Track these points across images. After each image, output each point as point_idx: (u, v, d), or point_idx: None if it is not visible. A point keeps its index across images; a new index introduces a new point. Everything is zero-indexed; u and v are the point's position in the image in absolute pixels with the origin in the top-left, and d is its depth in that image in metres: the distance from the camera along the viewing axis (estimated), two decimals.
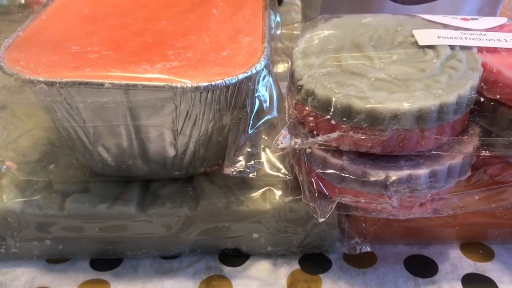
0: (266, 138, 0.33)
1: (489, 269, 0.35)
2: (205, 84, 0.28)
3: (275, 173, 0.32)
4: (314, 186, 0.31)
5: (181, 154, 0.33)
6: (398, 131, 0.27)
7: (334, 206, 0.30)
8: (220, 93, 0.29)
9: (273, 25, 0.39)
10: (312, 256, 0.36)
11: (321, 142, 0.29)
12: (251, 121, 0.32)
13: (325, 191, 0.31)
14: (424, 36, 0.33)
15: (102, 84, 0.27)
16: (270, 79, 0.33)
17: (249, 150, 0.32)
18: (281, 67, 0.46)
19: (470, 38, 0.33)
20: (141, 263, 0.35)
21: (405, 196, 0.29)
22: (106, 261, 0.35)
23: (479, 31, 0.34)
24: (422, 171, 0.29)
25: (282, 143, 0.30)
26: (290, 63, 0.34)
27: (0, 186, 0.34)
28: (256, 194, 0.34)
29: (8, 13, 0.36)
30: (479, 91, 0.30)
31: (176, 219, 0.34)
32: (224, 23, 0.35)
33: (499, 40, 0.33)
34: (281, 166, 0.32)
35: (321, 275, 0.34)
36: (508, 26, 0.35)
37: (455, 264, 0.35)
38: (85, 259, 0.36)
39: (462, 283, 0.34)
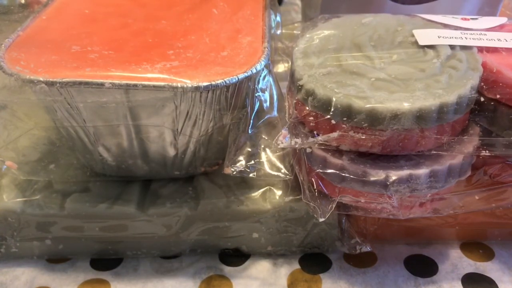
0: (266, 138, 0.33)
1: (489, 269, 0.35)
2: (205, 84, 0.28)
3: (275, 173, 0.32)
4: (314, 185, 0.31)
5: (181, 154, 0.33)
6: (398, 131, 0.27)
7: (334, 205, 0.30)
8: (220, 93, 0.29)
9: (273, 25, 0.39)
10: (312, 255, 0.36)
11: (321, 142, 0.29)
12: (251, 121, 0.32)
13: (325, 190, 0.31)
14: (424, 36, 0.33)
15: (102, 84, 0.27)
16: (270, 79, 0.33)
17: (249, 150, 0.32)
18: (281, 67, 0.46)
19: (470, 38, 0.33)
20: (141, 263, 0.35)
21: (405, 196, 0.29)
22: (106, 261, 0.35)
23: (479, 31, 0.34)
24: (422, 171, 0.29)
25: (282, 143, 0.30)
26: (290, 63, 0.34)
27: (0, 186, 0.34)
28: (256, 194, 0.34)
29: (8, 13, 0.36)
30: (479, 91, 0.30)
31: (176, 219, 0.34)
32: (224, 23, 0.35)
33: (499, 40, 0.33)
34: (281, 166, 0.32)
35: (321, 275, 0.34)
36: (508, 26, 0.35)
37: (455, 264, 0.35)
38: (85, 259, 0.36)
39: (462, 283, 0.34)
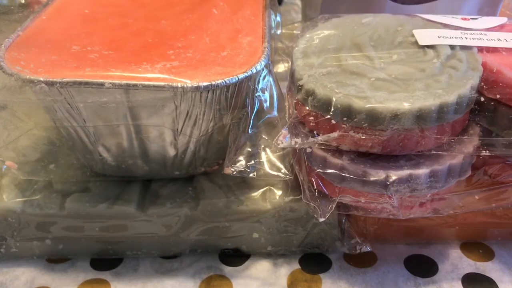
0: (266, 138, 0.33)
1: (489, 269, 0.35)
2: (205, 84, 0.28)
3: (275, 173, 0.32)
4: (314, 185, 0.31)
5: (181, 154, 0.33)
6: (398, 131, 0.27)
7: (334, 205, 0.30)
8: (221, 93, 0.29)
9: (273, 25, 0.39)
10: (312, 255, 0.36)
11: (321, 142, 0.29)
12: (251, 121, 0.32)
13: (325, 190, 0.31)
14: (424, 36, 0.33)
15: (102, 84, 0.27)
16: (270, 79, 0.33)
17: (249, 150, 0.32)
18: (281, 67, 0.47)
19: (470, 38, 0.33)
20: (141, 263, 0.35)
21: (405, 196, 0.29)
22: (106, 261, 0.35)
23: (479, 31, 0.34)
24: (422, 171, 0.29)
25: (282, 142, 0.30)
26: (290, 63, 0.34)
27: (0, 186, 0.34)
28: (256, 193, 0.34)
29: (8, 13, 0.36)
30: (479, 91, 0.30)
31: (176, 218, 0.34)
32: (224, 23, 0.35)
33: (499, 40, 0.33)
34: (281, 166, 0.32)
35: (321, 275, 0.34)
36: (508, 26, 0.35)
37: (455, 264, 0.35)
38: (85, 258, 0.36)
39: (462, 283, 0.34)
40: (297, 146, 0.30)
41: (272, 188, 0.35)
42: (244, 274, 0.35)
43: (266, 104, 0.33)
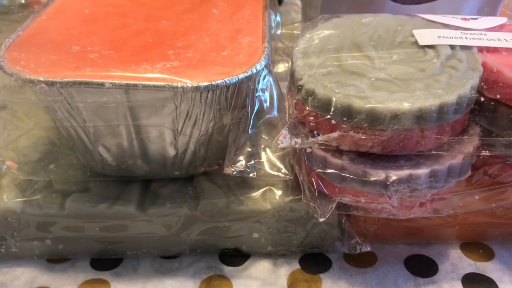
0: (266, 138, 0.33)
1: (489, 269, 0.35)
2: (205, 84, 0.28)
3: (275, 173, 0.32)
4: (314, 185, 0.31)
5: (181, 154, 0.33)
6: (398, 131, 0.27)
7: (334, 205, 0.30)
8: (221, 93, 0.29)
9: (273, 25, 0.39)
10: (312, 256, 0.36)
11: (321, 142, 0.29)
12: (251, 121, 0.32)
13: (325, 190, 0.31)
14: (424, 36, 0.33)
15: (102, 84, 0.27)
16: (271, 79, 0.33)
17: (249, 150, 0.32)
18: (281, 67, 0.46)
19: (470, 38, 0.33)
20: (141, 263, 0.35)
21: (405, 196, 0.29)
22: (106, 261, 0.35)
23: (479, 31, 0.34)
24: (422, 171, 0.29)
25: (282, 142, 0.30)
26: (290, 63, 0.34)
27: (1, 186, 0.34)
28: (256, 193, 0.34)
29: (8, 13, 0.36)
30: (479, 91, 0.30)
31: (176, 219, 0.34)
32: (224, 23, 0.35)
33: (499, 40, 0.33)
34: (281, 166, 0.32)
35: (321, 275, 0.34)
36: (508, 26, 0.35)
37: (455, 264, 0.35)
38: (85, 259, 0.36)
39: (462, 283, 0.34)
40: (297, 146, 0.30)
41: (272, 188, 0.35)
42: (244, 274, 0.35)
43: (266, 104, 0.33)
